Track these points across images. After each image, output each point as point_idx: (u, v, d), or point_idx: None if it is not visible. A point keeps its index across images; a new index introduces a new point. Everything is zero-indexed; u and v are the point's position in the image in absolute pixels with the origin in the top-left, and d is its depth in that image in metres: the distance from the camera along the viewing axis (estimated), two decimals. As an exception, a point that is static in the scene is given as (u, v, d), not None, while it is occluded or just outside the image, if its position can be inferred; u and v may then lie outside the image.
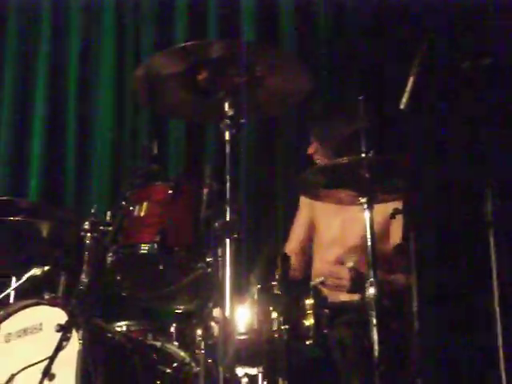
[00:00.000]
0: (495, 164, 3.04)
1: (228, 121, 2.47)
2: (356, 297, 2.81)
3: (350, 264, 2.97)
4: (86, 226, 2.70)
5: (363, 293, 2.54)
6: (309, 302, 2.50)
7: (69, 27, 4.61)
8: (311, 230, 3.45)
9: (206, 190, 2.50)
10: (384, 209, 2.77)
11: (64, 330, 2.34)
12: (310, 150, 3.35)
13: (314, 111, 3.46)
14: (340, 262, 3.10)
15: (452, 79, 3.07)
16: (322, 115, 3.42)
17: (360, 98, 2.73)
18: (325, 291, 2.69)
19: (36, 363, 2.52)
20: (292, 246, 3.45)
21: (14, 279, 3.13)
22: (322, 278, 2.95)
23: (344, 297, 3.10)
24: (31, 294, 2.97)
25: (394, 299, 2.98)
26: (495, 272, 2.61)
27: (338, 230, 3.31)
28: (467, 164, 3.65)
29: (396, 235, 3.10)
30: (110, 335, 2.77)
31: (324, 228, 3.38)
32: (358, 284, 2.86)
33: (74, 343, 2.43)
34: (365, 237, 2.58)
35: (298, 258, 3.37)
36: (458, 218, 3.69)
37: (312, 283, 2.93)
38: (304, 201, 3.49)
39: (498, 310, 2.52)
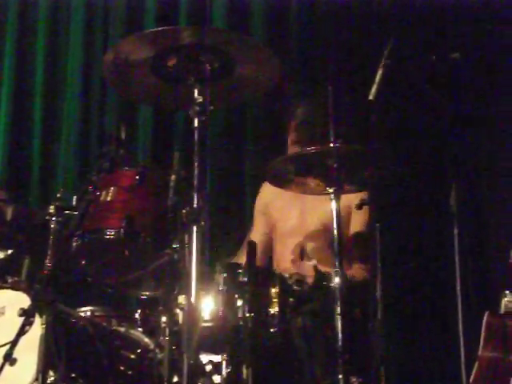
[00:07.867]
0: (461, 156, 3.07)
1: (197, 107, 2.46)
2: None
3: (315, 261, 2.97)
4: (52, 210, 2.67)
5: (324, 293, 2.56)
6: (274, 290, 2.51)
7: (37, 11, 4.54)
8: (270, 236, 3.42)
9: (173, 177, 2.49)
10: (347, 199, 2.78)
11: (27, 314, 2.32)
12: (292, 137, 3.27)
13: (296, 90, 3.37)
14: (300, 246, 3.09)
15: (420, 72, 3.09)
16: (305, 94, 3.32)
17: (328, 87, 2.73)
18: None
19: (-3, 347, 2.50)
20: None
21: (-24, 263, 3.10)
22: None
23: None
24: (-6, 277, 2.94)
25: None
26: (458, 263, 2.65)
27: (297, 220, 3.30)
28: (433, 156, 3.69)
29: (357, 225, 3.13)
30: (73, 320, 2.76)
31: (283, 222, 3.36)
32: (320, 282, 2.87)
33: (37, 328, 2.42)
34: (325, 224, 2.59)
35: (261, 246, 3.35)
36: (422, 209, 3.73)
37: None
38: (258, 208, 3.47)
39: (460, 299, 2.56)
